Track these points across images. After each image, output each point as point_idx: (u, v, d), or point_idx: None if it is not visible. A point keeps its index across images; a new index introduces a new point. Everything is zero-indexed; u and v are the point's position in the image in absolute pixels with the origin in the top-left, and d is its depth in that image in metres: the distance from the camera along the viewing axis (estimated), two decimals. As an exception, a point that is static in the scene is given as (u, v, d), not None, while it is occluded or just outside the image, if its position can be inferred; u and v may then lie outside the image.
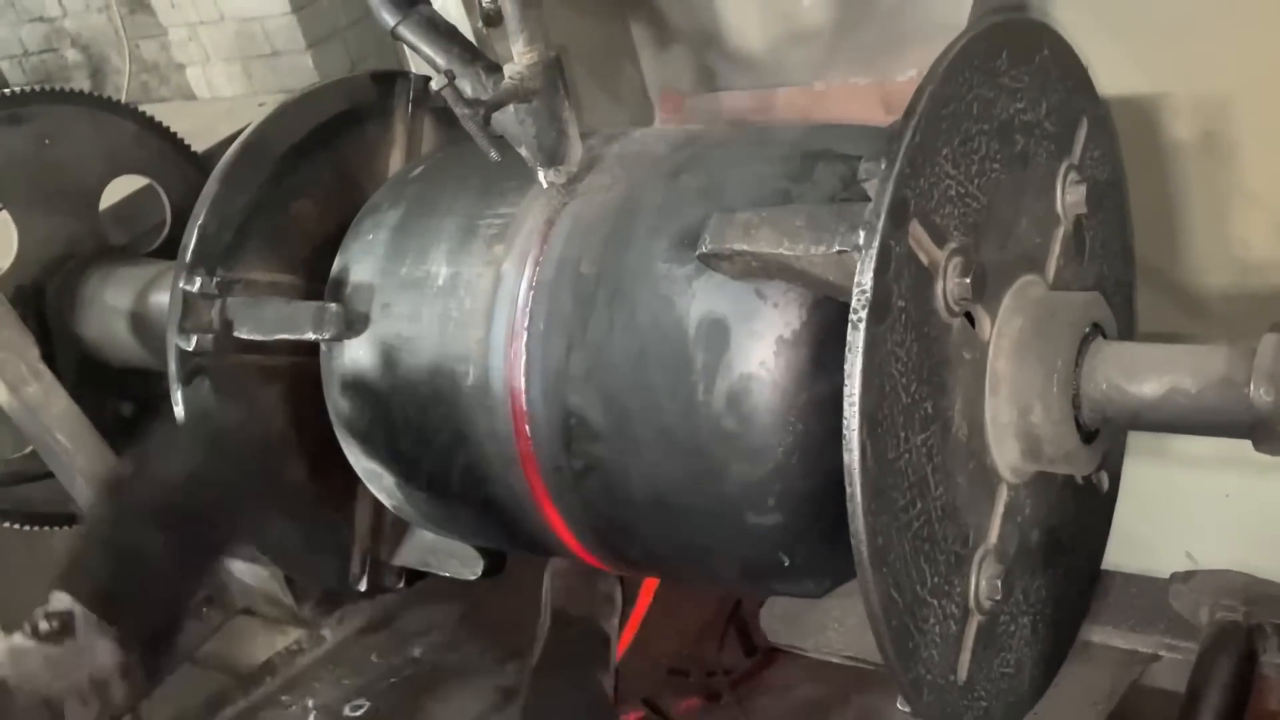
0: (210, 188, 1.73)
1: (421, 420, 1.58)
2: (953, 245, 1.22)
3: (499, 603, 2.01)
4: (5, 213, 2.16)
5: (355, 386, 1.65)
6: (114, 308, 2.10)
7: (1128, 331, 1.56)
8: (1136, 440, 1.77)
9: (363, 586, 1.91)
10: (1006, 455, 1.32)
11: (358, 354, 1.63)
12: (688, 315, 1.34)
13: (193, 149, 2.43)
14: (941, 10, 1.71)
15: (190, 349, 1.69)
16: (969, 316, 1.28)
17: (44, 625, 1.34)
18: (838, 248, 1.20)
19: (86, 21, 6.42)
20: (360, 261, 1.67)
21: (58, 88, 2.29)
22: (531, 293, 1.47)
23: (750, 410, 1.31)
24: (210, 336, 1.70)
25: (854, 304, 1.12)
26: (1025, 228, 1.38)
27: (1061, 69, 1.46)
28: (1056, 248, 1.42)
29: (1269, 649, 1.47)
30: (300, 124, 1.83)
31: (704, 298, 1.34)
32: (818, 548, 1.36)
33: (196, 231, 1.72)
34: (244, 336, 1.71)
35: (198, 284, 1.68)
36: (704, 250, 1.29)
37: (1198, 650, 1.49)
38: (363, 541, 1.92)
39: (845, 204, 1.25)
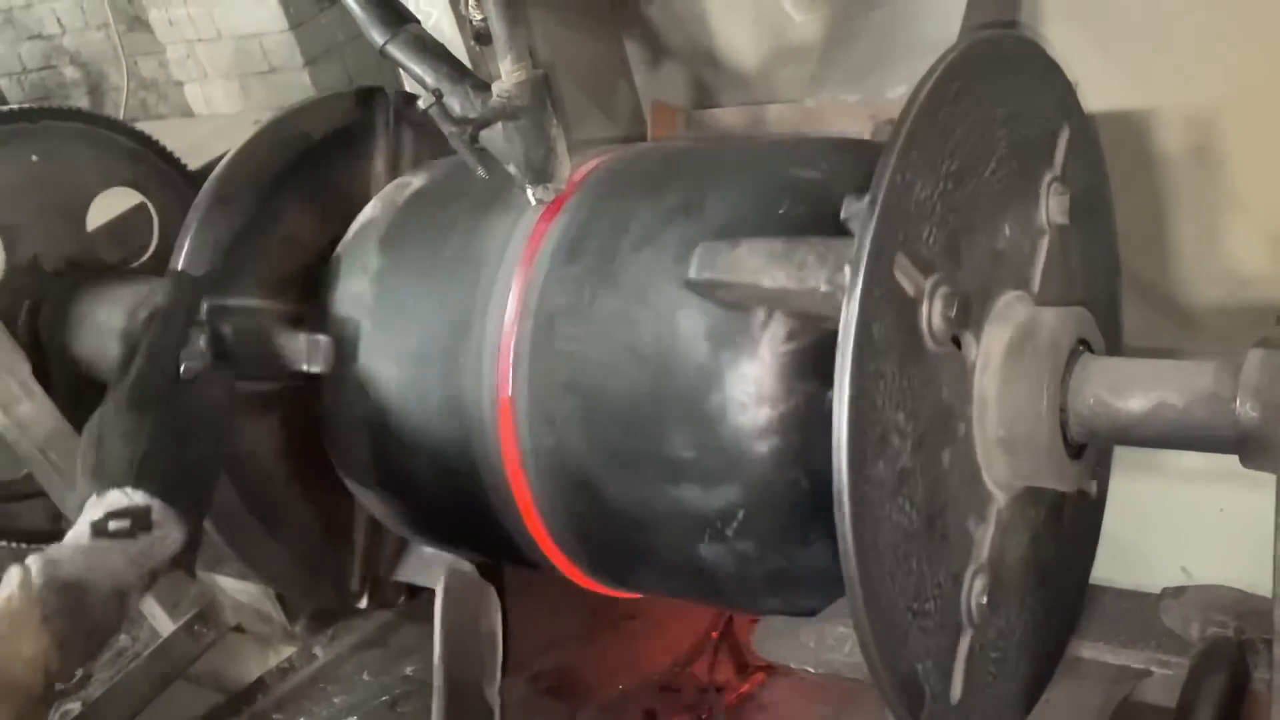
0: (192, 217, 1.71)
1: (411, 410, 1.60)
2: (936, 276, 1.22)
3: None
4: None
5: (349, 411, 1.65)
6: (106, 325, 2.10)
7: (1114, 345, 1.56)
8: (1130, 455, 1.77)
9: (364, 604, 1.91)
10: (996, 472, 1.32)
11: (352, 377, 1.64)
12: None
13: (187, 166, 2.44)
14: (931, 28, 1.72)
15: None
16: (955, 342, 1.28)
17: (116, 524, 1.36)
18: (824, 288, 1.21)
19: (85, 39, 6.45)
20: (350, 277, 1.68)
21: (63, 104, 2.31)
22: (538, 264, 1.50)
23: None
24: (197, 367, 1.65)
25: (839, 349, 1.12)
26: (1009, 242, 1.38)
27: (1045, 83, 1.46)
28: (1041, 260, 1.42)
29: (1260, 665, 1.46)
30: (282, 148, 1.81)
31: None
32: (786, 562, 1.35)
33: (185, 254, 1.69)
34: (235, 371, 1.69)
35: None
36: (691, 278, 1.31)
37: (1189, 666, 1.48)
38: (362, 559, 1.92)
39: (832, 240, 1.24)
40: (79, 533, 1.36)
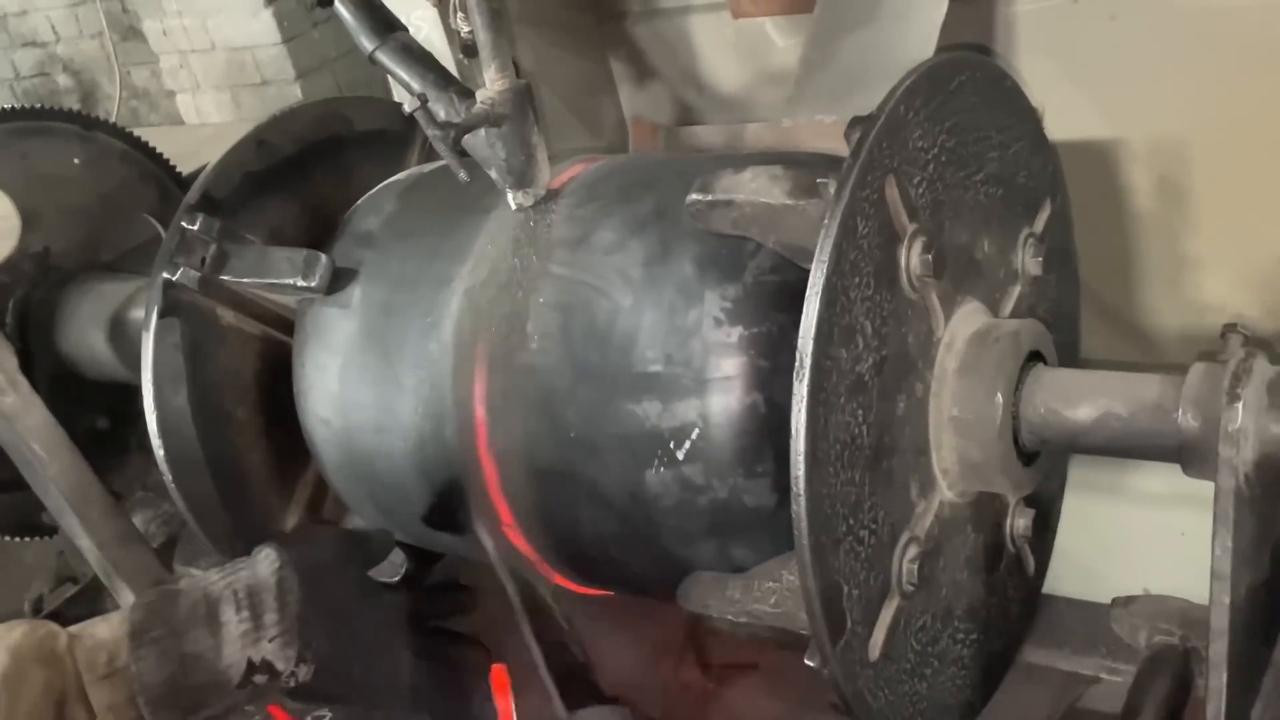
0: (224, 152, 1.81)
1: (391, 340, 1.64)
2: (918, 225, 1.29)
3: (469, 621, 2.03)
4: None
5: (329, 334, 1.70)
6: (93, 320, 2.14)
7: (1072, 362, 1.61)
8: (1092, 478, 1.81)
9: None
10: (944, 457, 1.37)
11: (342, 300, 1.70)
12: None
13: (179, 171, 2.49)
14: (906, 55, 1.76)
15: (173, 278, 1.72)
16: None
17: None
18: (816, 209, 1.28)
19: (79, 47, 6.50)
20: (363, 218, 1.75)
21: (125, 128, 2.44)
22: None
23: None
24: (195, 275, 1.73)
25: (826, 219, 1.18)
26: (985, 259, 1.45)
27: (1041, 148, 1.57)
28: (1012, 301, 1.50)
29: (1203, 671, 1.50)
30: (323, 121, 1.92)
31: None
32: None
33: (209, 174, 1.77)
34: (229, 279, 1.75)
35: (198, 223, 1.71)
36: (693, 198, 1.37)
37: (1135, 673, 1.52)
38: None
39: (834, 163, 1.30)
40: None
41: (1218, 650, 1.21)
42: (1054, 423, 1.32)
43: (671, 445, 1.37)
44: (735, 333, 1.35)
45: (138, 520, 2.30)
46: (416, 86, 1.54)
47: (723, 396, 1.35)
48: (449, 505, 1.63)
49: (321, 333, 1.70)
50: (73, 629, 1.37)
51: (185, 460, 1.79)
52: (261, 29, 5.32)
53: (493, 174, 1.54)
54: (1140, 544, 1.95)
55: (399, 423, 1.62)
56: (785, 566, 1.35)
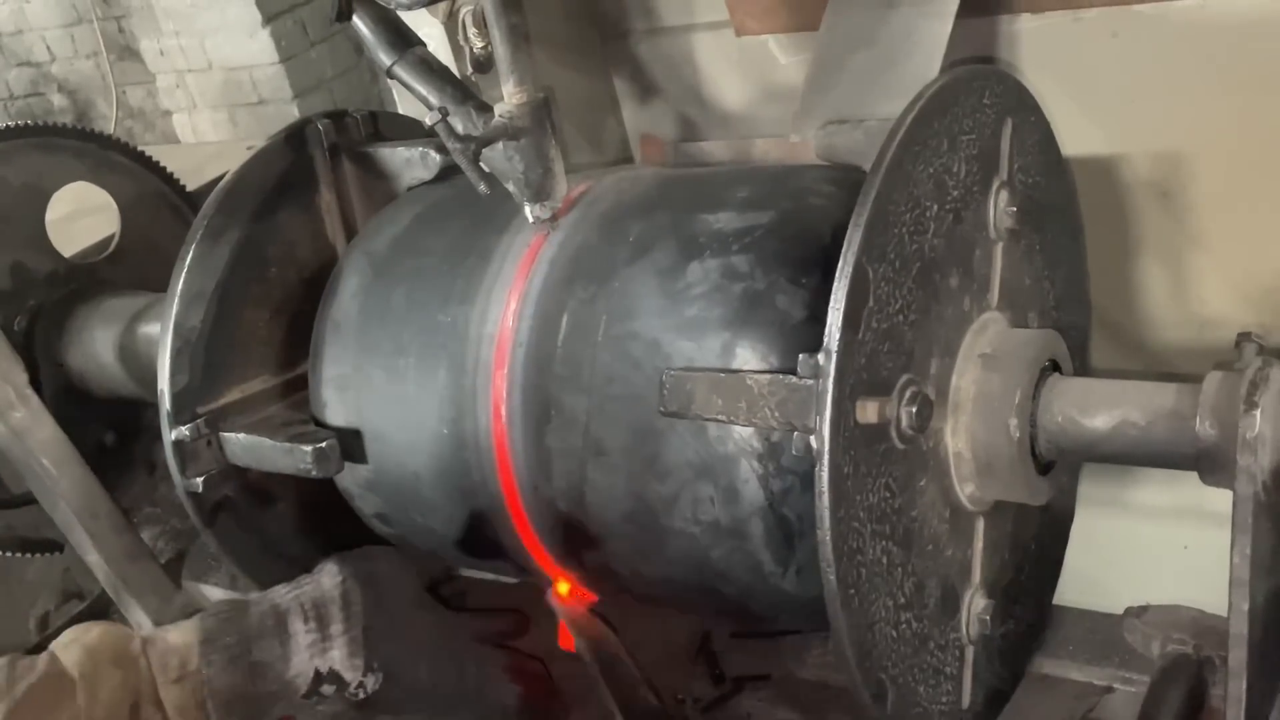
0: (164, 337, 1.73)
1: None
2: (904, 379, 1.28)
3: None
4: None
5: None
6: (102, 338, 2.14)
7: (1082, 373, 1.62)
8: (1098, 492, 1.82)
9: None
10: (967, 489, 1.38)
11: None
12: None
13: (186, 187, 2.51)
14: (911, 70, 1.77)
15: (202, 491, 1.74)
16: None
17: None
18: (783, 429, 1.26)
19: (74, 67, 6.49)
20: (335, 352, 1.72)
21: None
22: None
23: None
24: (215, 473, 1.75)
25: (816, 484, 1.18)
26: (970, 272, 1.44)
27: (1002, 103, 1.51)
28: (998, 265, 1.48)
29: (1217, 681, 1.51)
30: (237, 251, 1.80)
31: None
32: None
33: (167, 382, 1.72)
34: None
35: (186, 432, 1.71)
36: (662, 410, 1.36)
37: (1149, 682, 1.52)
38: None
39: (780, 381, 1.25)
40: None
41: (1237, 657, 1.22)
42: (1071, 431, 1.33)
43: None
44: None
45: (145, 536, 2.30)
46: (435, 100, 1.56)
47: None
48: (476, 535, 1.65)
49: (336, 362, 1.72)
50: (145, 633, 1.43)
51: None
52: (259, 49, 5.33)
53: (510, 187, 1.55)
54: (1143, 557, 1.96)
55: (423, 442, 1.63)
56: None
